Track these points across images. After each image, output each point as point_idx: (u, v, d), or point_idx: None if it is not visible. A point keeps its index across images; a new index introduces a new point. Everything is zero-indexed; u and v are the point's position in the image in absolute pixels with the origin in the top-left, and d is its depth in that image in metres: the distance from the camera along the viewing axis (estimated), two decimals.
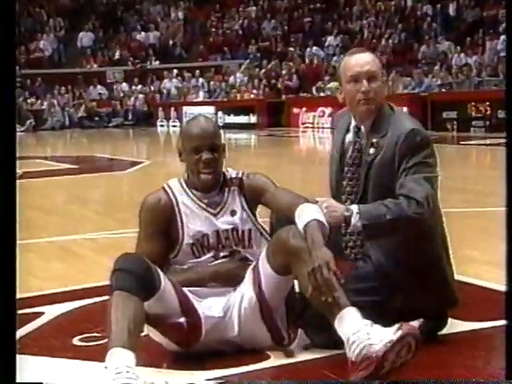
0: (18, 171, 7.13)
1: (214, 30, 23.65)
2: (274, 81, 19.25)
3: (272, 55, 20.93)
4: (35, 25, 24.10)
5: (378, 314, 2.18)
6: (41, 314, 2.93)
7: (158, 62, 23.32)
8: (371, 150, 2.42)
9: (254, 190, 2.45)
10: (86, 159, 11.56)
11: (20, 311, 2.55)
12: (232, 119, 18.52)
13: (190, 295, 2.34)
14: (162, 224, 2.39)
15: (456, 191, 6.33)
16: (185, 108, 20.17)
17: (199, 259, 2.40)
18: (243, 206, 2.44)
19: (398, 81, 15.61)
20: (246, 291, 2.36)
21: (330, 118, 15.76)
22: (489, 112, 13.09)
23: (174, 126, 20.28)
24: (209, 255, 2.40)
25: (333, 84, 16.94)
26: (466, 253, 3.63)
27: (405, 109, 14.22)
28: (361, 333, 2.06)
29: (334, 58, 19.11)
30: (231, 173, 2.49)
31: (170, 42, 23.84)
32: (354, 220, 2.29)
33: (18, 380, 1.79)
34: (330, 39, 20.27)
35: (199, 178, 2.40)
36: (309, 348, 2.38)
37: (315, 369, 2.25)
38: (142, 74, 22.81)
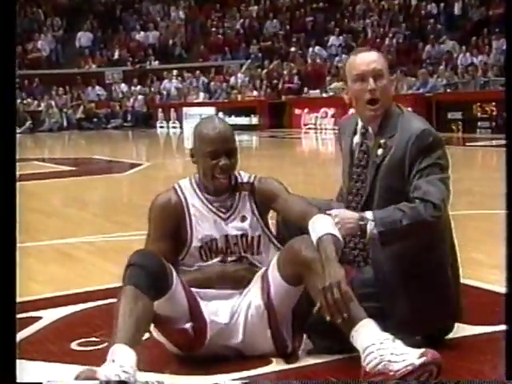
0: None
1: (214, 29, 23.67)
2: (275, 81, 19.27)
3: (274, 55, 20.96)
4: (32, 24, 24.14)
5: (380, 321, 2.17)
6: (38, 318, 2.93)
7: (157, 63, 23.35)
8: (379, 151, 2.41)
9: (265, 195, 2.44)
10: (85, 161, 11.58)
11: (17, 315, 2.55)
12: (233, 120, 18.51)
13: (197, 297, 2.35)
14: (171, 225, 2.40)
15: (462, 193, 6.32)
16: (185, 109, 20.18)
17: (206, 263, 2.40)
18: (254, 212, 2.44)
19: (402, 81, 15.61)
20: (253, 298, 2.36)
21: (333, 120, 15.81)
22: (495, 113, 13.09)
23: (174, 128, 20.30)
24: (216, 259, 2.41)
25: (336, 84, 16.96)
26: (471, 256, 3.63)
27: (409, 110, 14.20)
28: (381, 346, 2.06)
29: (337, 58, 19.14)
30: (243, 176, 2.49)
31: (170, 42, 23.87)
32: (370, 227, 2.28)
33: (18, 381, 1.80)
34: (332, 39, 20.29)
35: (214, 182, 2.39)
36: (312, 353, 2.38)
37: (318, 373, 2.26)
38: (142, 75, 22.83)
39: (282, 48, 21.36)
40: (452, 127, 13.77)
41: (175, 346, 2.36)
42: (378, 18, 20.00)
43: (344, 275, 2.13)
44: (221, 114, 18.78)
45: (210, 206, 2.42)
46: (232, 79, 20.82)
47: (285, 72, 19.23)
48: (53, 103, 21.39)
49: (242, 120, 18.26)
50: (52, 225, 5.60)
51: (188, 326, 2.31)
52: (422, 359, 2.00)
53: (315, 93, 17.55)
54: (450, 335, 2.48)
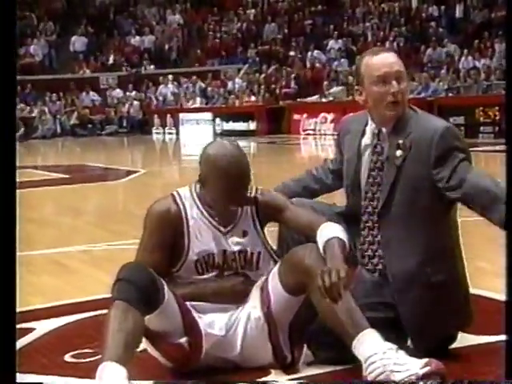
0: None
1: (211, 33, 23.74)
2: (273, 86, 19.31)
3: (272, 59, 21.01)
4: (25, 29, 24.16)
5: (383, 331, 2.16)
6: (31, 329, 2.92)
7: (153, 67, 23.40)
8: (398, 153, 2.37)
9: (270, 207, 2.40)
10: (79, 169, 11.57)
11: None
12: (230, 126, 18.56)
13: (192, 310, 2.33)
14: (167, 236, 2.34)
15: None
16: (181, 115, 20.22)
17: (202, 276, 2.37)
18: (255, 226, 2.41)
19: None
20: (252, 310, 2.35)
21: (332, 125, 15.83)
22: (498, 117, 13.13)
23: (170, 134, 20.32)
24: (212, 274, 2.38)
25: (335, 89, 17.01)
26: (475, 264, 3.63)
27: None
28: (384, 355, 2.06)
29: (335, 63, 19.18)
30: None
31: (166, 47, 23.92)
32: None
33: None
34: (331, 42, 20.35)
35: (224, 207, 2.35)
36: (312, 364, 2.38)
37: None
38: (137, 80, 22.87)
39: (281, 52, 21.42)
40: None
41: (170, 361, 2.34)
42: (378, 21, 20.07)
43: (346, 268, 2.12)
44: (218, 120, 18.88)
45: (209, 219, 2.37)
46: (229, 84, 20.86)
47: (283, 77, 19.27)
48: (46, 109, 21.42)
49: (240, 126, 18.29)
50: (45, 234, 5.60)
51: (183, 340, 2.28)
52: (426, 369, 2.00)
53: (314, 98, 17.59)
54: (454, 345, 2.48)
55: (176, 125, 20.29)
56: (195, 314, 2.33)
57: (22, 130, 20.50)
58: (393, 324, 2.34)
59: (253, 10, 23.81)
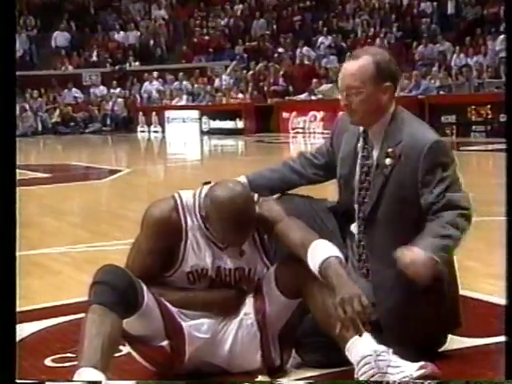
0: None
1: (198, 29, 23.71)
2: (262, 83, 19.32)
3: (260, 56, 21.01)
4: None
5: (375, 335, 2.17)
6: None
7: (138, 64, 23.33)
8: (387, 161, 2.39)
9: (266, 220, 2.32)
10: (61, 168, 11.52)
11: None
12: (217, 124, 18.54)
13: (175, 314, 2.32)
14: (163, 244, 2.30)
15: None
16: (167, 113, 20.18)
17: (193, 285, 2.35)
18: (255, 242, 2.35)
19: None
20: (245, 317, 2.34)
21: (322, 123, 15.86)
22: (490, 116, 13.19)
23: (156, 132, 20.28)
24: (204, 284, 2.35)
25: (325, 86, 17.03)
26: (466, 264, 3.65)
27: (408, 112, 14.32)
28: (378, 357, 2.07)
29: (324, 60, 19.22)
30: None
31: (151, 42, 23.87)
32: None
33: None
34: (321, 39, 20.39)
35: (225, 241, 2.31)
36: (300, 367, 2.38)
37: None
38: (121, 77, 22.81)
39: (269, 49, 21.43)
40: (446, 131, 13.85)
41: (152, 365, 2.33)
42: (369, 18, 20.13)
43: (361, 291, 2.08)
44: (205, 118, 18.86)
45: (209, 235, 2.32)
46: (216, 81, 20.84)
47: (271, 74, 19.28)
48: (27, 106, 21.30)
49: (227, 124, 18.29)
50: (26, 235, 5.56)
51: (165, 343, 2.27)
52: (421, 372, 2.01)
53: (303, 96, 17.60)
54: (445, 347, 2.49)
55: (161, 123, 20.25)
56: (178, 317, 2.32)
57: None
58: (378, 327, 2.34)
59: (240, 6, 23.81)
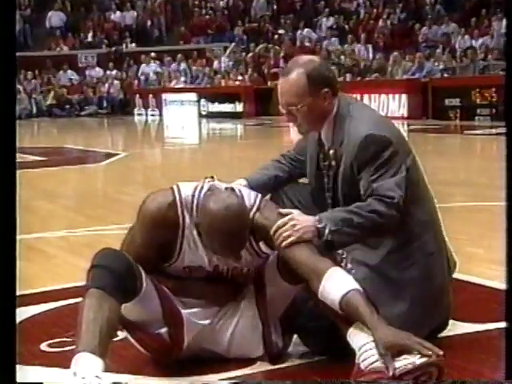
0: None
1: (196, 9, 23.61)
2: (262, 66, 19.26)
3: (260, 38, 20.93)
4: None
5: None
6: None
7: (134, 45, 23.25)
8: (333, 162, 2.48)
9: (263, 231, 2.27)
10: (56, 151, 11.52)
11: None
12: (216, 107, 18.51)
13: (174, 301, 2.32)
14: (160, 239, 2.27)
15: (459, 184, 6.37)
16: (164, 95, 20.13)
17: (189, 277, 2.34)
18: (253, 247, 2.33)
19: (399, 64, 15.65)
20: (247, 306, 2.34)
21: None
22: (495, 99, 13.17)
23: (153, 115, 20.24)
24: (201, 275, 2.34)
25: None
26: (469, 250, 3.66)
27: (404, 96, 14.36)
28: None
29: (325, 42, 19.14)
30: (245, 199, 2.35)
31: (149, 23, 23.77)
32: (326, 231, 2.26)
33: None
34: (323, 20, 20.30)
35: (215, 253, 2.29)
36: (300, 353, 2.40)
37: (305, 374, 2.28)
38: (118, 58, 22.73)
39: (269, 30, 21.34)
40: (449, 114, 13.85)
41: (149, 351, 2.33)
42: None
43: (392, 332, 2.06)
44: (203, 101, 18.82)
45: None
46: (215, 63, 20.78)
47: (272, 56, 19.22)
48: (21, 88, 21.21)
49: (226, 107, 18.26)
50: (21, 219, 5.57)
51: (163, 330, 2.28)
52: (424, 359, 2.01)
53: None
54: (446, 333, 2.51)
55: (159, 106, 20.21)
56: (177, 304, 2.32)
57: None
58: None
59: None
